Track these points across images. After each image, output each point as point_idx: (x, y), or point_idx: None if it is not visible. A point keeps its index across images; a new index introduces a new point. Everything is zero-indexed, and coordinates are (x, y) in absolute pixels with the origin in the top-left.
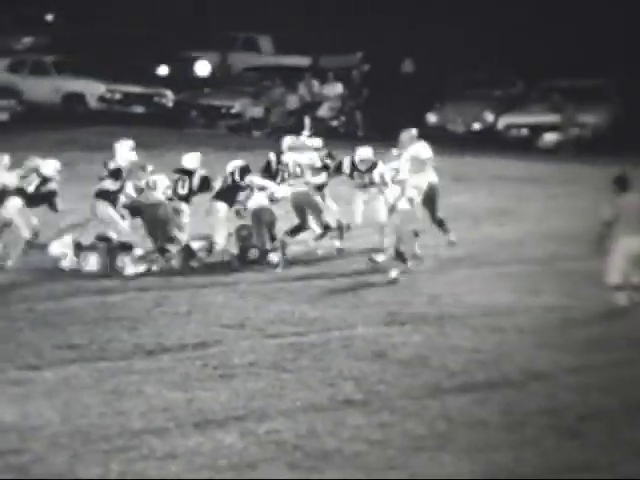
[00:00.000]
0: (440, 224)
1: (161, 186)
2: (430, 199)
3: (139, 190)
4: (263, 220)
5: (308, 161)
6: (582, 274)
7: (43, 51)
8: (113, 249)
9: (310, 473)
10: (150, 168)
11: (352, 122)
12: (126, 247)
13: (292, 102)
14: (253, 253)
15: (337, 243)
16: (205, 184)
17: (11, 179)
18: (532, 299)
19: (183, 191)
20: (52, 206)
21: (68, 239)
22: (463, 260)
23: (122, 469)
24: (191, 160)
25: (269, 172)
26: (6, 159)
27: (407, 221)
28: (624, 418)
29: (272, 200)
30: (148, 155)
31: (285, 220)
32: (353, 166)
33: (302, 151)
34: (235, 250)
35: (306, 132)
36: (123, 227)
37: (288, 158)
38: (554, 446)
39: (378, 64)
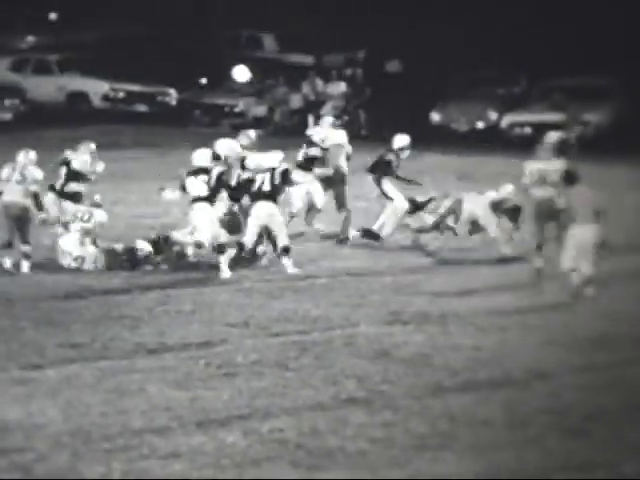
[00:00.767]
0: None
1: None
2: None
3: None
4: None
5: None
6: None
7: (47, 50)
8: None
9: (313, 472)
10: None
11: (356, 121)
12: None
13: (295, 101)
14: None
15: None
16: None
17: (39, 175)
18: (535, 297)
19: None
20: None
21: (74, 237)
22: (466, 258)
23: (124, 468)
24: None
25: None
26: (33, 154)
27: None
28: (627, 418)
29: None
30: (151, 153)
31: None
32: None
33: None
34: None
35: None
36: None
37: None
38: (557, 445)
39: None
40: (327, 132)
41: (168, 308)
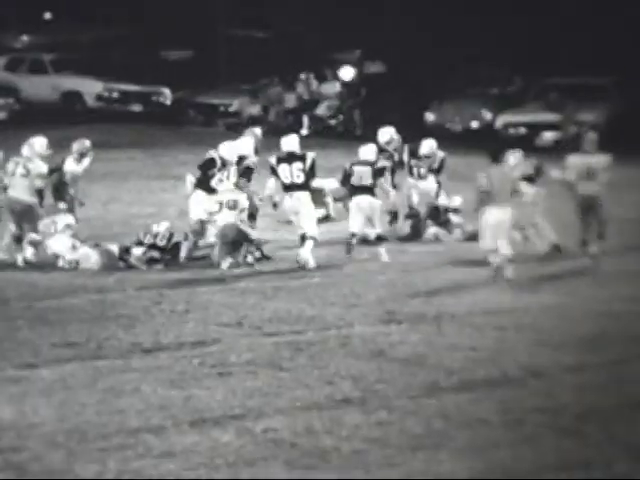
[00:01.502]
0: None
1: None
2: None
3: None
4: None
5: None
6: (581, 272)
7: (41, 49)
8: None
9: (307, 472)
10: None
11: (350, 121)
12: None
13: (290, 101)
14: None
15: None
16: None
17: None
18: (531, 297)
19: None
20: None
21: (65, 237)
22: (461, 258)
23: (119, 467)
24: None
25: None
26: (39, 145)
27: None
28: (621, 417)
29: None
30: (146, 153)
31: None
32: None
33: None
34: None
35: (304, 131)
36: None
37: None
38: (552, 445)
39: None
40: None
41: (163, 308)
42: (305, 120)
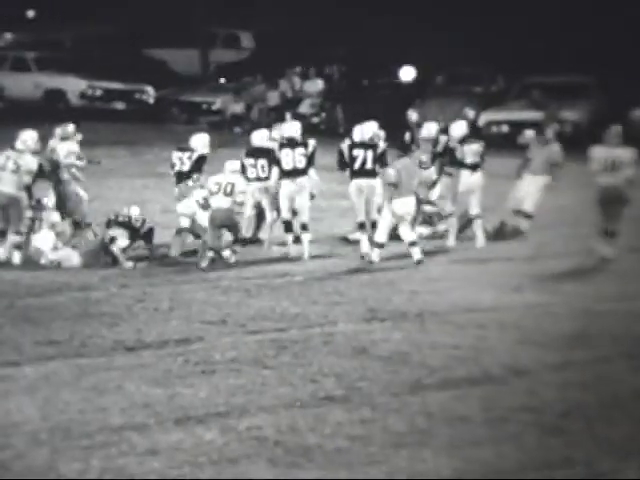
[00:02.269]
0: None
1: None
2: None
3: None
4: None
5: None
6: (564, 270)
7: (24, 47)
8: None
9: (291, 469)
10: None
11: (333, 118)
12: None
13: (273, 98)
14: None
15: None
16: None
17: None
18: (513, 295)
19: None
20: None
21: (50, 235)
22: (443, 257)
23: (103, 465)
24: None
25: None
26: (31, 139)
27: None
28: (602, 415)
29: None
30: (129, 151)
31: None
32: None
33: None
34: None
35: None
36: None
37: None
38: (535, 442)
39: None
40: None
41: (146, 305)
42: (288, 118)
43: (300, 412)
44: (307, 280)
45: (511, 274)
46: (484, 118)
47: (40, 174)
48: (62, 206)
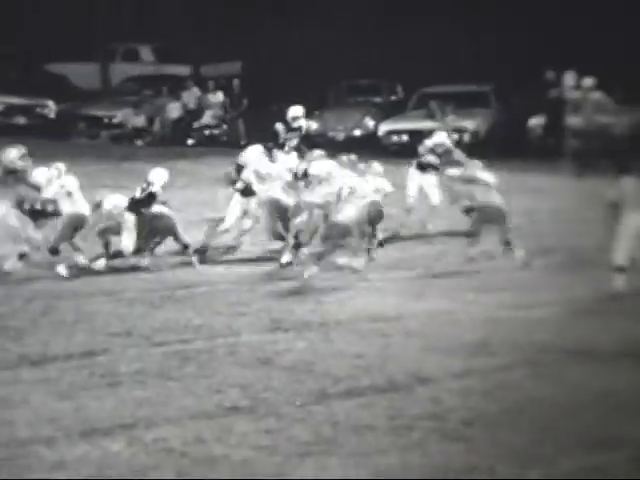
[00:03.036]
0: None
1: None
2: None
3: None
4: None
5: None
6: (464, 279)
7: None
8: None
9: None
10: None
11: (234, 130)
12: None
13: (174, 111)
14: None
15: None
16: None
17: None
18: (416, 303)
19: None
20: None
21: None
22: (345, 267)
23: (10, 479)
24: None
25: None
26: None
27: None
28: (504, 422)
29: None
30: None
31: None
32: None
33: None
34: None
35: (190, 140)
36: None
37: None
38: (439, 449)
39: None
40: None
41: (52, 319)
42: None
43: (206, 423)
44: (211, 291)
45: (413, 282)
46: (384, 128)
47: None
48: None
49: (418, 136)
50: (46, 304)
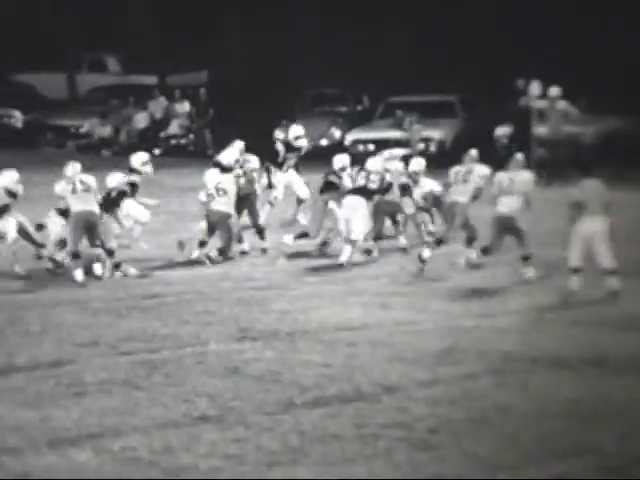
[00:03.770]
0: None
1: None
2: None
3: None
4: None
5: None
6: (429, 289)
7: None
8: None
9: None
10: None
11: (201, 140)
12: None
13: (141, 120)
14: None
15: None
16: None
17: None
18: (381, 313)
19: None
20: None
21: None
22: (312, 276)
23: None
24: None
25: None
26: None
27: None
28: (470, 430)
29: None
30: None
31: None
32: None
33: None
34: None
35: (157, 150)
36: None
37: None
38: (406, 458)
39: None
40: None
41: (17, 329)
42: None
43: (173, 432)
44: (178, 301)
45: (378, 292)
46: (350, 137)
47: None
48: None
49: (384, 145)
50: (11, 314)
